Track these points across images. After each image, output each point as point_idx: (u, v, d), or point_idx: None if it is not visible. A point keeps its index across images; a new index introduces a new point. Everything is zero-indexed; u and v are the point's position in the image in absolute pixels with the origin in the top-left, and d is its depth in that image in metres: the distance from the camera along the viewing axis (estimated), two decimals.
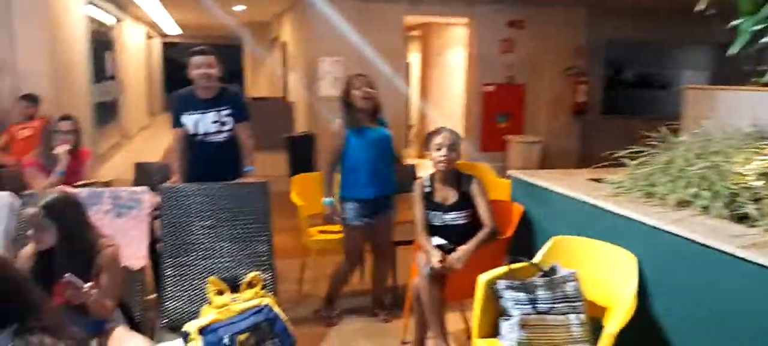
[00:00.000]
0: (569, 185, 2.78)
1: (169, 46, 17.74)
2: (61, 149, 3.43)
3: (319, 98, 7.25)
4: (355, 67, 6.25)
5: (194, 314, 2.49)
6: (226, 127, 3.32)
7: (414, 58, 10.26)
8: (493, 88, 7.98)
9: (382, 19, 7.33)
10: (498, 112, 8.05)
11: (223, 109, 3.30)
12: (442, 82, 9.36)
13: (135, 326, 2.33)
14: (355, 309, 3.51)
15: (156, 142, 10.44)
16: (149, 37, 14.72)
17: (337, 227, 3.41)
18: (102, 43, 9.09)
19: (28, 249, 2.18)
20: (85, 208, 2.23)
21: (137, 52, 12.73)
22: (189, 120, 3.29)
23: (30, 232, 2.08)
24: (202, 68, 3.22)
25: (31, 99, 5.18)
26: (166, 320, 2.66)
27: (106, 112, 9.17)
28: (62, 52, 6.25)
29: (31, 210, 2.08)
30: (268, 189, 3.03)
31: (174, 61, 16.56)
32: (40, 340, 1.56)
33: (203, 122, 3.28)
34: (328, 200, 3.27)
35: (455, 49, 8.86)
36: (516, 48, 7.93)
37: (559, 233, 2.52)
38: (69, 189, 2.78)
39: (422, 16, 8.18)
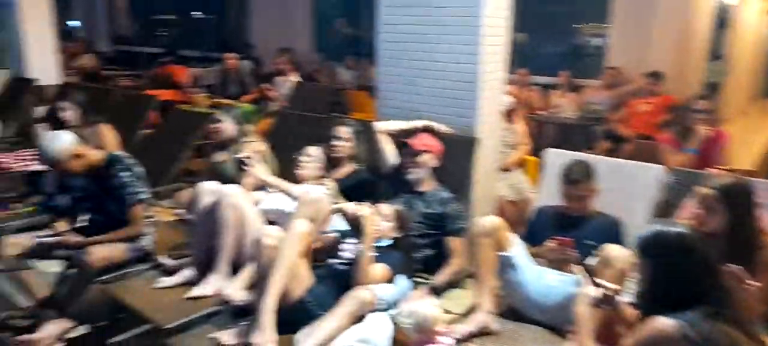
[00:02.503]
0: None
1: None
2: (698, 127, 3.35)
3: None
4: None
5: None
6: None
7: None
8: None
9: None
10: None
11: None
12: None
13: None
14: None
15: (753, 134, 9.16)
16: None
17: None
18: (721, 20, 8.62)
19: None
20: (757, 197, 2.05)
21: (751, 31, 11.51)
22: None
23: (698, 211, 2.07)
24: None
25: (656, 76, 5.38)
26: None
27: (709, 92, 8.74)
28: (687, 32, 6.22)
29: (705, 190, 2.05)
30: None
31: None
32: (727, 330, 1.50)
33: None
34: None
35: None
36: None
37: None
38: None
39: None
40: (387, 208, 2.55)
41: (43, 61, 5.95)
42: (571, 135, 5.39)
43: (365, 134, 3.16)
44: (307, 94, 5.96)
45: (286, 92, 5.97)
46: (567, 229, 2.53)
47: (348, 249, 2.47)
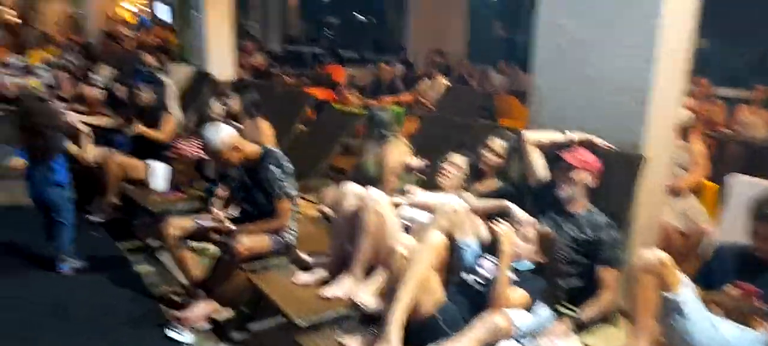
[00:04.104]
0: None
1: None
2: None
3: None
4: None
5: None
6: None
7: None
8: None
9: None
10: None
11: None
12: None
13: None
14: None
15: None
16: None
17: None
18: None
19: None
20: None
21: None
22: None
23: None
24: None
25: None
26: None
27: None
28: None
29: None
30: None
31: None
32: None
33: None
34: None
35: None
36: None
37: None
38: None
39: None
40: (529, 227, 2.33)
41: (221, 59, 6.58)
42: (763, 160, 4.60)
43: (519, 150, 2.94)
44: (456, 98, 5.84)
45: (436, 95, 5.90)
46: (753, 274, 2.10)
47: (486, 267, 2.30)
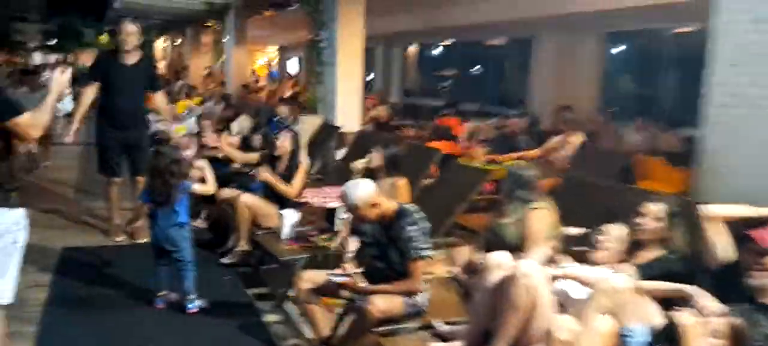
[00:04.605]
0: None
1: None
2: None
3: None
4: None
5: None
6: None
7: None
8: None
9: None
10: None
11: None
12: None
13: None
14: None
15: None
16: None
17: None
18: None
19: None
20: None
21: None
22: None
23: None
24: None
25: None
26: None
27: None
28: None
29: None
30: None
31: None
32: None
33: None
34: None
35: None
36: None
37: None
38: None
39: None
40: (720, 319, 1.95)
41: (348, 111, 6.76)
42: None
43: (683, 216, 2.57)
44: (590, 158, 5.44)
45: (568, 154, 5.54)
46: None
47: None
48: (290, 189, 4.31)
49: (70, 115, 11.14)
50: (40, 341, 3.05)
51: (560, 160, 5.61)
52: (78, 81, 7.16)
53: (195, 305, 3.47)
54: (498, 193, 5.68)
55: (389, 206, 2.83)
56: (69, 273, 4.01)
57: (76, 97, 11.35)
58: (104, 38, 21.16)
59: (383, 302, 2.68)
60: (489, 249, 3.13)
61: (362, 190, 2.73)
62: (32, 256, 4.15)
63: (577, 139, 5.76)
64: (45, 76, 9.65)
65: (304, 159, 4.97)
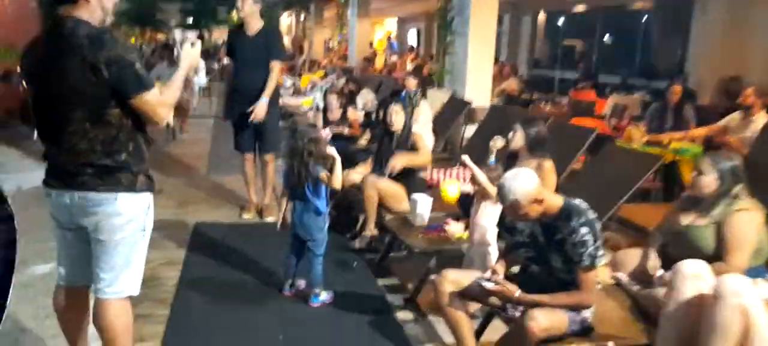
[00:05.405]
0: None
1: None
2: None
3: None
4: None
5: None
6: None
7: None
8: None
9: None
10: None
11: None
12: None
13: None
14: None
15: None
16: None
17: None
18: None
19: None
20: None
21: None
22: None
23: None
24: None
25: None
26: None
27: None
28: None
29: None
30: None
31: None
32: None
33: None
34: None
35: None
36: None
37: None
38: None
39: None
40: None
41: (478, 85, 6.23)
42: None
43: None
44: None
45: (752, 135, 4.60)
46: None
47: None
48: (417, 158, 4.10)
49: (206, 89, 11.77)
50: (171, 325, 2.96)
51: (739, 143, 4.69)
52: (211, 56, 7.33)
53: (319, 300, 3.24)
54: (664, 181, 4.95)
55: (554, 201, 2.32)
56: (201, 250, 3.98)
57: (209, 72, 11.89)
58: (235, 15, 22.17)
59: (546, 318, 2.21)
60: (671, 254, 2.56)
61: (525, 182, 2.25)
62: (167, 231, 4.22)
63: (762, 117, 4.78)
64: (177, 51, 10.15)
65: (428, 136, 4.58)
